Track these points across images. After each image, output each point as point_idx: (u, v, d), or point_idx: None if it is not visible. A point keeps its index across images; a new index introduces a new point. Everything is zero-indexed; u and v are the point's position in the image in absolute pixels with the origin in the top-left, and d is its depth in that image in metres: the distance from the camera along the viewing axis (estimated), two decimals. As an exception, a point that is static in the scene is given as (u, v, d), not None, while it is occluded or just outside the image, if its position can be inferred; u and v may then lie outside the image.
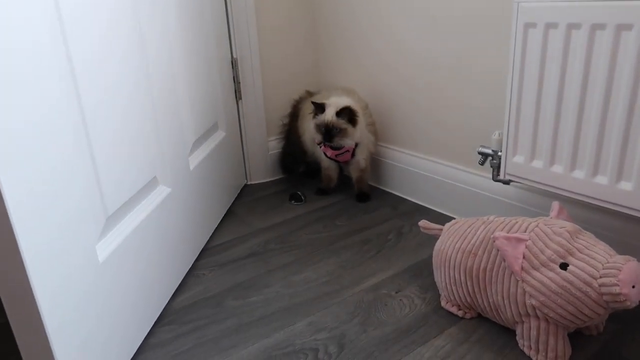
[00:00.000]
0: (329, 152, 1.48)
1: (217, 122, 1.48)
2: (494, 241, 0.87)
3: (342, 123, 1.39)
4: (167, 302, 1.08)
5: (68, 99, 0.76)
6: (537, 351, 0.86)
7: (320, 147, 1.49)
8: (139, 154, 0.97)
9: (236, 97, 1.61)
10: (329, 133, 1.40)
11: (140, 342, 0.96)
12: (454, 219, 1.22)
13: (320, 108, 1.41)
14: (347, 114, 1.39)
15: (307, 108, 1.55)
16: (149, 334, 0.99)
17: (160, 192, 1.07)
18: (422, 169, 1.47)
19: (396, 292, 1.08)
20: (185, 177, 1.20)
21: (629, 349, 0.88)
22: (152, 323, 1.01)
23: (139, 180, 0.97)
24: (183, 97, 1.21)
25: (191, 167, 1.24)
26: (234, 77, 1.59)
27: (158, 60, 1.05)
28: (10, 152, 0.63)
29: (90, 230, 0.80)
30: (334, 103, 1.41)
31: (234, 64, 1.57)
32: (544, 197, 1.16)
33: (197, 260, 1.25)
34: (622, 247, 1.02)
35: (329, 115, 1.39)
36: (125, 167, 0.92)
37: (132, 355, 0.93)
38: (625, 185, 0.88)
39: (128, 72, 0.93)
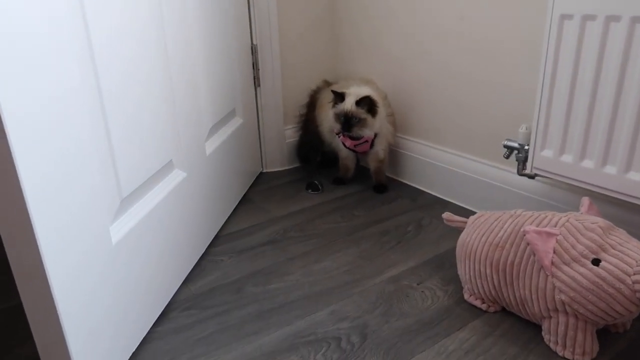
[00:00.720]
0: (348, 142, 1.47)
1: (234, 108, 1.47)
2: (524, 235, 0.86)
3: (362, 113, 1.38)
4: (179, 286, 1.08)
5: (86, 78, 0.75)
6: (564, 347, 0.85)
7: (339, 137, 1.47)
8: (156, 137, 0.96)
9: (255, 84, 1.60)
10: (348, 122, 1.38)
11: (152, 325, 0.96)
12: (475, 212, 1.21)
13: (340, 97, 1.40)
14: (367, 103, 1.38)
15: (325, 98, 1.53)
16: (168, 319, 0.98)
17: (176, 176, 1.07)
18: (441, 161, 1.46)
19: (418, 284, 1.07)
20: (201, 162, 1.19)
21: (657, 347, 0.87)
22: (164, 307, 1.01)
23: (154, 163, 0.96)
24: (201, 82, 1.20)
25: (207, 153, 1.23)
26: (253, 64, 1.57)
27: (177, 43, 1.04)
28: (26, 132, 0.62)
29: (104, 211, 0.80)
30: (354, 92, 1.40)
31: (253, 50, 1.56)
32: (568, 192, 1.14)
33: (215, 246, 1.25)
34: (650, 245, 1.00)
35: (349, 104, 1.37)
36: (141, 149, 0.91)
37: (143, 337, 0.93)
38: (660, 182, 0.87)
39: (146, 54, 0.91)
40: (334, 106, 1.42)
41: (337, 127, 1.42)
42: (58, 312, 0.69)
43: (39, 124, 0.64)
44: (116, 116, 0.82)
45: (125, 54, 0.85)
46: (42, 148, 0.65)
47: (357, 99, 1.37)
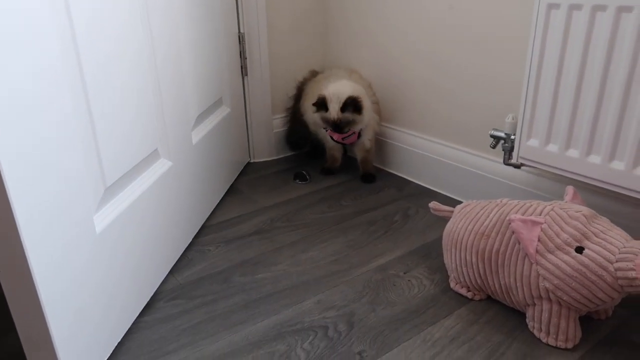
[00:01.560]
0: (336, 136, 1.47)
1: (222, 97, 1.46)
2: (510, 223, 0.87)
3: (349, 116, 1.38)
4: (165, 275, 1.07)
5: (67, 60, 0.73)
6: (548, 334, 0.86)
7: (326, 130, 1.47)
8: (141, 125, 0.95)
9: (242, 73, 1.58)
10: (337, 127, 1.39)
11: (138, 314, 0.95)
12: (461, 202, 1.22)
13: (322, 106, 1.39)
14: (352, 104, 1.37)
15: (310, 88, 1.53)
16: (155, 309, 0.98)
17: (162, 165, 1.06)
18: (428, 151, 1.46)
19: (404, 273, 1.08)
20: (188, 151, 1.18)
21: (638, 333, 0.89)
22: (150, 296, 1.00)
23: (139, 151, 0.95)
24: (188, 70, 1.18)
25: (194, 142, 1.22)
26: (240, 53, 1.56)
27: (162, 30, 1.03)
28: (3, 116, 0.60)
29: (88, 200, 0.79)
30: (335, 95, 1.38)
31: (240, 38, 1.54)
32: (553, 181, 1.15)
33: (202, 236, 1.24)
34: (634, 233, 1.02)
35: (334, 112, 1.37)
36: (125, 137, 0.90)
37: (129, 327, 0.92)
38: (642, 171, 0.88)
39: (130, 39, 0.90)
40: (317, 110, 1.41)
41: (328, 127, 1.42)
42: (41, 302, 0.68)
43: (16, 103, 0.62)
44: (100, 100, 0.81)
45: (109, 37, 0.83)
46: (20, 128, 0.63)
47: (341, 104, 1.36)
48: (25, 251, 0.65)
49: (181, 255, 1.15)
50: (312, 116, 1.49)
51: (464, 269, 0.97)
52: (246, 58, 1.57)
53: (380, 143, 1.61)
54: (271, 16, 1.59)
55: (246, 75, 1.59)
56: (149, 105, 0.98)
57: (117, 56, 0.86)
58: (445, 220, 1.27)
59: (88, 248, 0.78)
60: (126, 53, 0.89)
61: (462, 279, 0.99)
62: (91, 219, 0.80)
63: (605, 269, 0.79)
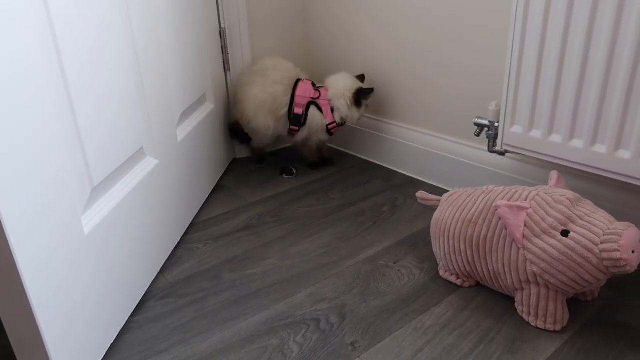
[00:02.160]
0: (336, 130, 1.52)
1: (205, 93, 1.45)
2: (496, 210, 0.88)
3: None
4: (156, 274, 1.07)
5: (47, 55, 0.72)
6: (537, 317, 0.88)
7: (332, 127, 1.50)
8: (125, 123, 0.94)
9: (224, 68, 1.57)
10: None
11: (130, 314, 0.95)
12: (448, 191, 1.23)
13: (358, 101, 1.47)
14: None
15: (251, 88, 1.48)
16: (145, 308, 0.97)
17: (148, 164, 1.05)
18: (413, 141, 1.47)
19: (394, 263, 1.08)
20: (173, 148, 1.17)
21: (624, 314, 0.91)
22: (141, 296, 1.00)
23: (125, 150, 0.94)
24: (170, 66, 1.17)
25: (179, 139, 1.21)
26: (222, 48, 1.54)
27: (142, 26, 1.01)
28: None
29: (75, 201, 0.78)
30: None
31: (222, 33, 1.53)
32: (538, 168, 1.17)
33: (190, 233, 1.23)
34: (617, 216, 1.03)
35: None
36: (110, 135, 0.89)
37: (121, 328, 0.92)
38: (624, 154, 0.89)
39: (110, 36, 0.88)
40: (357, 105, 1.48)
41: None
42: (31, 304, 0.67)
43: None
44: (82, 99, 0.80)
45: (89, 32, 0.82)
46: (2, 134, 0.62)
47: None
48: (13, 253, 0.63)
49: (170, 254, 1.14)
50: (264, 124, 1.48)
51: (452, 256, 0.98)
52: (228, 53, 1.55)
53: (367, 134, 1.61)
54: (252, 10, 1.57)
55: (229, 70, 1.58)
56: (132, 103, 0.97)
57: (98, 52, 0.85)
58: (432, 209, 1.28)
59: (77, 249, 0.77)
60: (107, 50, 0.87)
61: (451, 267, 1.00)
62: (79, 219, 0.79)
63: (590, 251, 0.80)
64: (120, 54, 0.92)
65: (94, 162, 0.83)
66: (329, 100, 1.46)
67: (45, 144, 0.70)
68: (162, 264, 1.10)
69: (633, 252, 0.78)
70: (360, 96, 1.46)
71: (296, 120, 1.47)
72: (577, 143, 0.95)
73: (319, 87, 1.49)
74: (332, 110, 1.46)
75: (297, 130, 1.49)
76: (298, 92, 1.46)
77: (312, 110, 1.47)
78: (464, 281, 0.99)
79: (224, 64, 1.56)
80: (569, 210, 0.84)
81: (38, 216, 0.68)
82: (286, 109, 1.47)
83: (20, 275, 0.65)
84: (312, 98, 1.46)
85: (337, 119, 1.47)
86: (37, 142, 0.69)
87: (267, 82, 1.45)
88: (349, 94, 1.45)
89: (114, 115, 0.90)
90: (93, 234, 0.82)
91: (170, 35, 1.18)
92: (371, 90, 1.47)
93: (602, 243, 0.79)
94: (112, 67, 0.89)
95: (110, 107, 0.88)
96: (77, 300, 0.77)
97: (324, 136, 1.52)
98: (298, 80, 1.48)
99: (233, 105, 1.55)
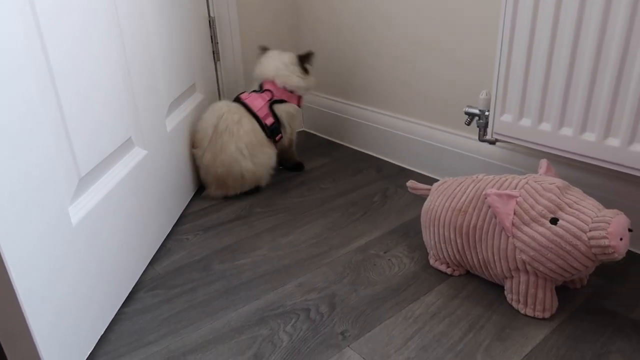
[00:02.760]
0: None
1: (194, 83, 1.43)
2: (486, 198, 0.88)
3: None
4: (146, 266, 1.06)
5: (30, 41, 0.70)
6: (526, 304, 0.88)
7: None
8: (112, 113, 0.93)
9: (214, 58, 1.55)
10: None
11: (119, 306, 0.94)
12: (438, 180, 1.22)
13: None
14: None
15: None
16: (134, 300, 0.97)
17: (136, 154, 1.04)
18: (404, 130, 1.46)
19: (384, 252, 1.08)
20: (162, 139, 1.16)
21: (612, 301, 0.91)
22: (131, 287, 0.99)
23: (113, 140, 0.93)
24: (157, 55, 1.15)
25: (168, 129, 1.20)
26: (211, 37, 1.53)
27: (129, 13, 0.99)
28: None
29: (61, 191, 0.77)
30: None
31: (211, 23, 1.51)
32: (528, 156, 1.17)
33: (180, 224, 1.23)
34: (605, 203, 1.04)
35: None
36: (97, 124, 0.87)
37: (111, 319, 0.91)
38: (613, 142, 0.89)
39: (96, 23, 0.87)
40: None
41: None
42: (18, 295, 0.66)
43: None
44: (67, 87, 0.78)
45: (73, 17, 0.80)
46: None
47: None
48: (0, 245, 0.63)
49: (160, 245, 1.14)
50: (266, 159, 1.35)
51: (442, 245, 0.98)
52: (217, 43, 1.54)
53: (357, 125, 1.61)
54: (241, -1, 1.56)
55: (218, 60, 1.56)
56: (119, 92, 0.95)
57: (83, 38, 0.83)
58: (423, 198, 1.28)
59: (64, 240, 0.77)
60: (92, 35, 0.86)
61: (441, 256, 1.00)
62: (66, 210, 0.78)
63: (579, 238, 0.80)
64: (105, 41, 0.91)
65: (80, 152, 0.82)
66: (283, 88, 1.38)
67: (29, 133, 0.69)
68: (152, 255, 1.10)
69: (621, 239, 0.78)
70: (303, 62, 1.41)
71: (275, 128, 1.37)
72: (567, 131, 0.95)
73: (258, 90, 1.39)
74: (290, 92, 1.40)
75: (281, 136, 1.40)
76: (253, 107, 1.33)
77: (277, 107, 1.37)
78: (454, 270, 1.00)
79: (213, 53, 1.54)
80: (558, 198, 0.84)
81: (23, 206, 0.67)
82: (262, 133, 1.34)
83: (6, 267, 0.64)
84: (269, 100, 1.36)
85: (300, 91, 1.41)
86: (20, 129, 0.67)
87: (232, 131, 1.29)
88: (292, 67, 1.39)
89: (101, 105, 0.89)
90: (81, 225, 0.81)
91: (158, 23, 1.16)
92: (310, 53, 1.42)
93: (590, 230, 0.80)
94: (98, 54, 0.88)
95: (96, 96, 0.87)
96: (65, 292, 0.77)
97: (300, 122, 1.43)
98: (238, 99, 1.36)
99: (232, 179, 1.33)
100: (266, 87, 1.39)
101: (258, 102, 1.35)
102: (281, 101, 1.38)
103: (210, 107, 1.35)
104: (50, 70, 0.75)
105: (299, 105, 1.43)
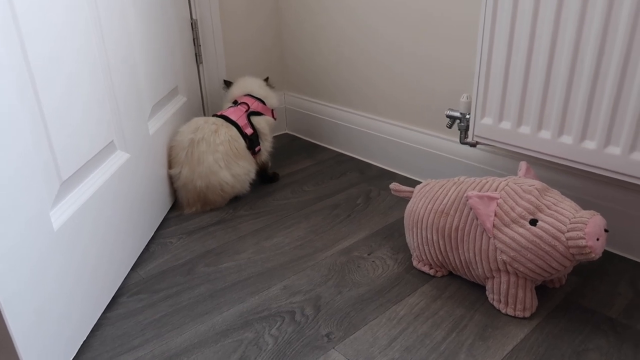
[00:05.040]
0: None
1: (177, 86, 1.43)
2: (467, 200, 0.89)
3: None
4: (129, 270, 1.05)
5: (9, 42, 0.70)
6: (507, 304, 0.90)
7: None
8: (94, 115, 0.92)
9: (197, 61, 1.55)
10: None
11: (102, 311, 0.93)
12: (421, 182, 1.24)
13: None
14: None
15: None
16: (118, 304, 0.96)
17: (119, 158, 1.03)
18: (387, 133, 1.48)
19: (368, 254, 1.09)
20: (145, 142, 1.15)
21: (589, 299, 0.94)
22: (114, 292, 0.98)
23: (94, 143, 0.92)
24: (139, 58, 1.15)
25: (151, 132, 1.19)
26: (194, 40, 1.52)
27: (111, 15, 0.99)
28: None
29: (42, 195, 0.76)
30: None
31: (193, 25, 1.51)
32: (508, 159, 1.19)
33: (163, 228, 1.22)
34: (582, 204, 1.07)
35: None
36: (79, 127, 0.87)
37: (93, 324, 0.90)
38: (589, 145, 0.92)
39: (76, 25, 0.86)
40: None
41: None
42: (-2, 303, 0.65)
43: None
44: (47, 91, 0.78)
45: (54, 19, 0.79)
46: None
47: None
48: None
49: (143, 249, 1.13)
50: (243, 170, 1.32)
51: (425, 247, 0.99)
52: (200, 45, 1.53)
53: (340, 128, 1.62)
54: (224, 1, 1.56)
55: (201, 63, 1.56)
56: (101, 95, 0.95)
57: (63, 39, 0.82)
58: (406, 200, 1.30)
59: (45, 245, 0.76)
60: (72, 40, 0.85)
61: (424, 257, 1.01)
62: (47, 215, 0.77)
63: (557, 239, 0.82)
64: (86, 42, 0.90)
65: (61, 156, 0.81)
66: (259, 101, 1.41)
67: (8, 136, 0.68)
68: (135, 259, 1.09)
69: (598, 239, 0.81)
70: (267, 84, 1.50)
71: (255, 139, 1.36)
72: (545, 134, 0.97)
73: (234, 105, 1.39)
74: (264, 105, 1.43)
75: (260, 148, 1.38)
76: (232, 117, 1.33)
77: (254, 118, 1.37)
78: (437, 271, 1.01)
79: (196, 56, 1.54)
80: (537, 199, 0.86)
81: (2, 212, 0.66)
82: (241, 140, 1.32)
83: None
84: (246, 111, 1.37)
85: (273, 104, 1.47)
86: (1, 139, 0.66)
87: (209, 141, 1.27)
88: (264, 86, 1.48)
89: (82, 107, 0.88)
90: (63, 229, 0.81)
91: (140, 25, 1.16)
92: (266, 78, 1.52)
93: (568, 231, 0.82)
94: (78, 55, 0.87)
95: (77, 98, 0.86)
96: (47, 298, 0.76)
97: (271, 134, 1.44)
98: (215, 115, 1.35)
99: (211, 191, 1.29)
100: (242, 101, 1.39)
101: (237, 113, 1.35)
102: (258, 113, 1.39)
103: (187, 123, 1.33)
104: (30, 71, 0.74)
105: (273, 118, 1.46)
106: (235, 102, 1.40)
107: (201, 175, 1.26)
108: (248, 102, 1.39)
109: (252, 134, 1.35)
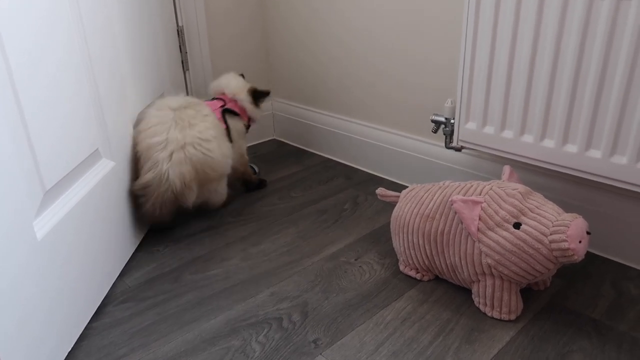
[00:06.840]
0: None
1: (163, 93, 1.42)
2: (452, 204, 0.90)
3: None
4: (115, 279, 1.04)
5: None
6: (492, 307, 0.91)
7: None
8: (78, 123, 0.91)
9: (183, 67, 1.55)
10: None
11: (88, 321, 0.93)
12: (407, 187, 1.25)
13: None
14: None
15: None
16: (104, 314, 0.95)
17: (104, 166, 1.02)
18: (373, 138, 1.49)
19: (355, 259, 1.09)
20: (131, 150, 1.14)
21: (573, 301, 0.95)
22: (100, 301, 0.97)
23: (79, 152, 0.92)
24: (125, 65, 1.15)
25: (137, 140, 1.18)
26: (180, 47, 1.52)
27: (95, 21, 0.98)
28: None
29: (25, 205, 0.75)
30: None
31: (179, 32, 1.51)
32: (492, 162, 1.20)
33: (149, 236, 1.21)
34: (565, 207, 1.08)
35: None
36: (63, 135, 0.86)
37: (79, 335, 0.89)
38: (571, 148, 0.93)
39: (58, 30, 0.85)
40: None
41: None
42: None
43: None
44: (29, 99, 0.77)
45: (35, 23, 0.79)
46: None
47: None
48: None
49: (130, 258, 1.12)
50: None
51: (411, 251, 1.00)
52: (186, 52, 1.53)
53: (327, 133, 1.62)
54: (209, 8, 1.56)
55: (187, 70, 1.56)
56: (85, 102, 0.94)
57: (45, 44, 0.81)
58: (392, 205, 1.30)
59: (29, 255, 0.75)
60: (54, 42, 0.84)
61: (410, 262, 1.02)
62: (30, 225, 0.76)
63: (540, 242, 0.83)
64: (69, 48, 0.89)
65: (45, 165, 0.81)
66: (235, 101, 1.35)
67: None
68: (122, 268, 1.08)
69: (580, 241, 0.82)
70: (258, 98, 1.39)
71: (228, 135, 1.29)
72: (528, 138, 0.99)
73: (210, 100, 1.35)
74: (241, 107, 1.37)
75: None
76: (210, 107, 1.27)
77: (229, 118, 1.32)
78: (423, 275, 1.02)
79: (182, 63, 1.54)
80: (521, 203, 0.87)
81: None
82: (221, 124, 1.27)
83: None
84: (221, 106, 1.32)
85: (248, 110, 1.37)
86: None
87: (196, 109, 1.20)
88: (245, 92, 1.36)
89: (64, 117, 0.87)
90: (47, 239, 0.80)
91: (126, 32, 1.15)
92: (267, 93, 1.40)
93: (551, 234, 0.83)
94: (60, 61, 0.86)
95: (60, 106, 0.86)
96: (29, 308, 0.75)
97: (245, 141, 1.39)
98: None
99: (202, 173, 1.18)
100: (218, 97, 1.36)
101: (213, 106, 1.30)
102: (233, 113, 1.34)
103: (152, 104, 1.20)
104: (11, 77, 0.73)
105: (248, 126, 1.40)
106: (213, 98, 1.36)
107: (194, 141, 1.13)
108: (224, 99, 1.34)
109: (226, 129, 1.29)
